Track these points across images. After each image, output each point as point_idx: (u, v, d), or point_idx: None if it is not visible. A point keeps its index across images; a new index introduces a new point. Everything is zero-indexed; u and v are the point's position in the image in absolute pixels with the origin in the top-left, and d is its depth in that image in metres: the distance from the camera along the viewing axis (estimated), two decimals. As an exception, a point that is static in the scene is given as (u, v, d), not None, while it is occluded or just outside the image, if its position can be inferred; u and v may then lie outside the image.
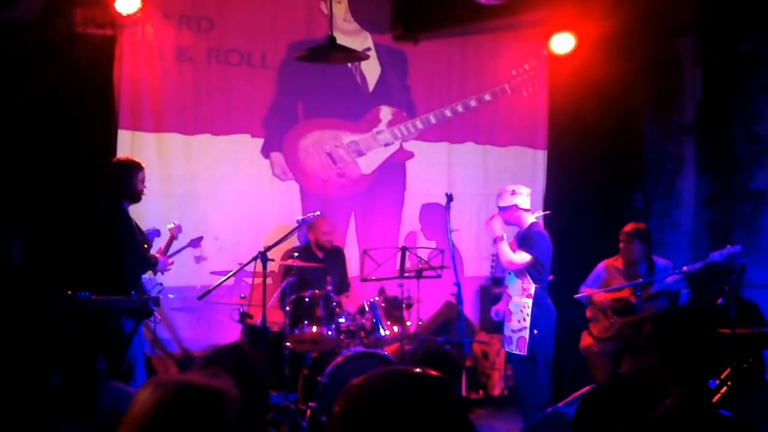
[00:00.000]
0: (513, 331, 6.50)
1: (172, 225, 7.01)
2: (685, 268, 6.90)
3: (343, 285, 7.56)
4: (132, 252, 5.98)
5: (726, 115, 8.24)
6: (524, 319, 6.41)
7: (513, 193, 6.52)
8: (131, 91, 7.50)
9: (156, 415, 1.94)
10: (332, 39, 6.02)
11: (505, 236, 6.50)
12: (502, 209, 6.56)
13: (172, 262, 6.63)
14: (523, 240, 6.48)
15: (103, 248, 5.92)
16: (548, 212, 7.41)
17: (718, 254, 6.64)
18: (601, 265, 7.32)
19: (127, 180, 6.07)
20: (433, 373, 1.96)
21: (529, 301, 6.43)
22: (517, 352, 6.43)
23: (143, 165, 6.18)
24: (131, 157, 6.30)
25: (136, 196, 6.13)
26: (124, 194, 6.07)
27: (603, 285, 7.17)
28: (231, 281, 7.46)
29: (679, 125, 8.60)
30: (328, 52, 6.17)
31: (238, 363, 2.50)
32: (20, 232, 6.31)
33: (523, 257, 6.37)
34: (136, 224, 6.17)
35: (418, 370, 1.96)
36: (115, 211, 5.98)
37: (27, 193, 6.83)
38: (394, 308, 6.88)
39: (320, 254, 7.56)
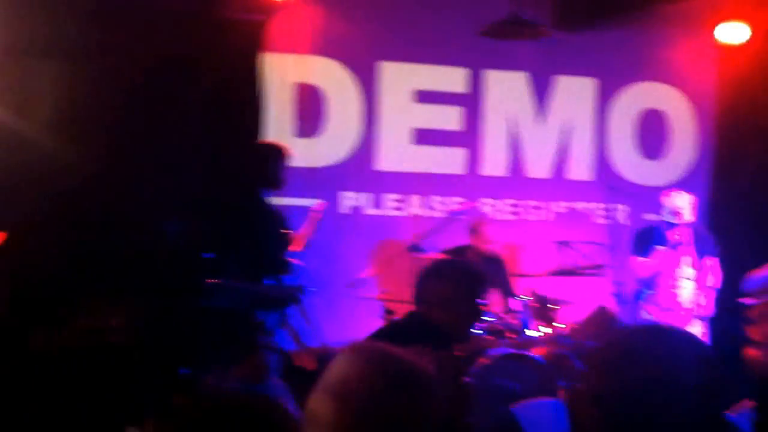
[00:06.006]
0: None
1: (315, 203, 6.74)
2: None
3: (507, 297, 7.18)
4: (268, 241, 5.84)
5: None
6: None
7: None
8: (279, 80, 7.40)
9: (348, 381, 1.79)
10: (515, 14, 5.78)
11: None
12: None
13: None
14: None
15: (240, 236, 5.81)
16: None
17: None
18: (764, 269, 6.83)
19: (272, 167, 5.92)
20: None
21: None
22: None
23: (287, 150, 6.02)
24: (275, 142, 6.13)
25: (275, 183, 5.95)
26: (264, 180, 5.91)
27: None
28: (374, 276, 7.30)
29: None
30: (511, 29, 5.94)
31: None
32: (181, 216, 6.25)
33: None
34: (274, 209, 5.99)
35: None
36: (252, 198, 5.85)
37: (182, 178, 6.80)
38: (545, 308, 6.53)
39: (477, 261, 7.13)
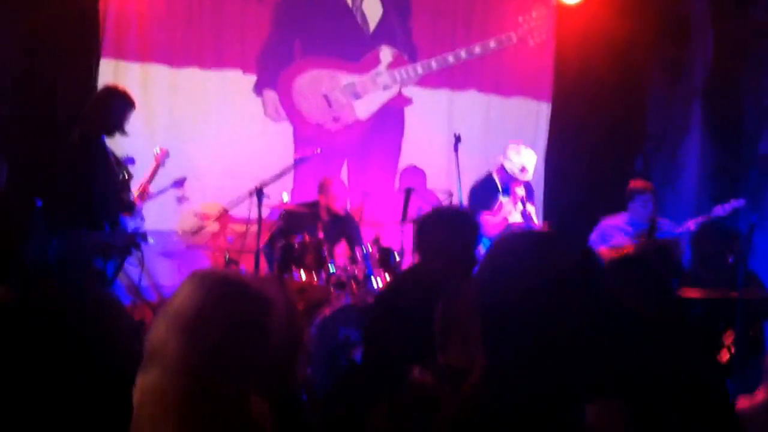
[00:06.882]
0: None
1: (158, 151, 6.60)
2: (688, 225, 6.70)
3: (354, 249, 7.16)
4: (106, 186, 5.64)
5: (735, 82, 7.95)
6: None
7: None
8: (116, 17, 7.14)
9: (199, 310, 1.71)
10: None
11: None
12: None
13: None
14: None
15: (76, 181, 5.58)
16: None
17: (721, 208, 6.49)
18: (603, 224, 7.08)
19: (117, 113, 5.71)
20: None
21: None
22: None
23: (128, 95, 5.83)
24: (127, 91, 5.91)
25: (116, 131, 5.75)
26: (105, 126, 5.69)
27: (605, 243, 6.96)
28: (215, 227, 7.15)
29: (687, 88, 8.31)
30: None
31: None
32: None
33: None
34: (115, 156, 5.80)
35: None
36: (91, 142, 5.63)
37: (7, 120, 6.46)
38: (389, 258, 6.54)
39: (326, 217, 7.06)
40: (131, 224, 5.86)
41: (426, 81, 8.19)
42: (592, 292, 1.68)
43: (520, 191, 6.51)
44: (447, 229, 3.64)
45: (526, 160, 6.52)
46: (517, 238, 1.79)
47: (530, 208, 6.58)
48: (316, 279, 6.31)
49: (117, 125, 5.70)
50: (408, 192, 6.58)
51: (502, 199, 6.60)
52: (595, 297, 1.68)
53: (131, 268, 6.32)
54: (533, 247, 1.72)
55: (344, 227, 7.10)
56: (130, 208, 5.79)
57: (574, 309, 1.64)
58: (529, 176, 6.55)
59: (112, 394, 1.79)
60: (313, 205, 7.05)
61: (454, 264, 3.60)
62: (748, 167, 7.79)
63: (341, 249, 7.05)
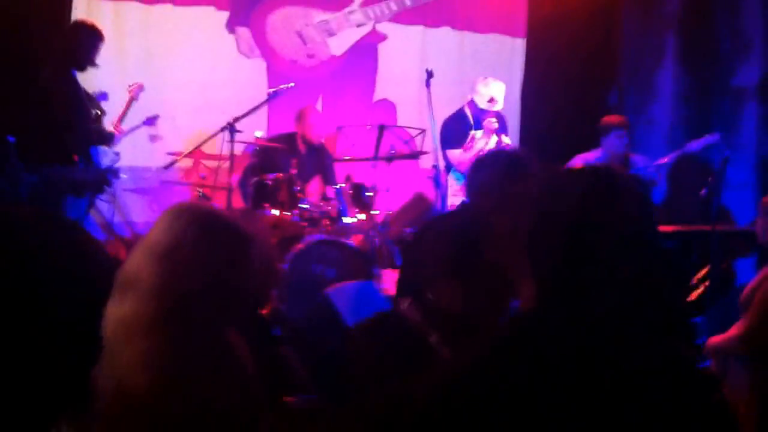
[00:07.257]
0: None
1: (132, 85, 6.54)
2: (662, 160, 6.70)
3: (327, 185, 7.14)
4: (79, 121, 5.59)
5: (709, 7, 7.91)
6: None
7: None
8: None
9: (177, 240, 1.74)
10: None
11: None
12: None
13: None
14: None
15: (47, 117, 5.52)
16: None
17: (695, 143, 6.50)
18: (577, 159, 7.04)
19: (86, 46, 5.65)
20: None
21: None
22: None
23: (99, 29, 5.76)
24: (95, 24, 5.83)
25: (87, 65, 5.69)
26: (76, 60, 5.63)
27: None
28: (189, 163, 7.10)
29: (660, 16, 8.23)
30: None
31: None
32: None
33: None
34: (85, 91, 5.75)
35: None
36: (63, 77, 5.56)
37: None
38: (362, 195, 6.53)
39: (303, 149, 7.07)
40: (105, 160, 5.81)
41: (400, 18, 8.11)
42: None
43: (493, 124, 6.45)
44: (489, 169, 3.57)
45: (495, 91, 6.49)
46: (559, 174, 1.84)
47: (505, 140, 6.55)
48: (289, 215, 6.30)
49: (87, 59, 5.67)
50: (380, 129, 6.53)
51: (475, 133, 6.56)
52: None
53: (104, 204, 6.30)
54: (578, 179, 1.74)
55: (319, 161, 7.08)
56: (109, 139, 5.77)
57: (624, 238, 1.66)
58: (499, 106, 6.52)
59: (81, 320, 1.77)
60: (289, 137, 7.01)
61: (502, 207, 3.57)
62: (723, 98, 7.79)
63: (314, 186, 7.05)
